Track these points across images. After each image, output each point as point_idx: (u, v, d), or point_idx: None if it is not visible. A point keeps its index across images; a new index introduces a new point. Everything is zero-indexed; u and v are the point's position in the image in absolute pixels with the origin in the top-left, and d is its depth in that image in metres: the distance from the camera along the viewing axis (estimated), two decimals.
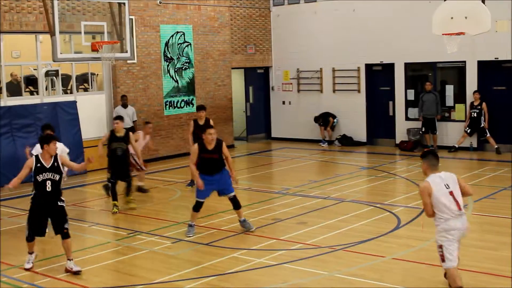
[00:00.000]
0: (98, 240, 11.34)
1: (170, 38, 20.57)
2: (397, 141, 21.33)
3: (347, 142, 22.23)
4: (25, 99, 17.59)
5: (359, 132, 22.30)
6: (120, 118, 13.77)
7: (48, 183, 9.41)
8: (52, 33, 13.49)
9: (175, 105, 20.79)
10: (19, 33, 17.05)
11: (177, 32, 20.77)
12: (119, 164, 13.44)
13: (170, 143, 20.67)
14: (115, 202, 13.33)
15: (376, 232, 11.01)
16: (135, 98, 19.57)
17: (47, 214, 9.55)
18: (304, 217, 12.33)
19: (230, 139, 22.81)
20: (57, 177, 9.48)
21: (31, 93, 18.67)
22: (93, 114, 18.83)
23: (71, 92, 18.68)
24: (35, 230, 9.59)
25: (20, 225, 11.77)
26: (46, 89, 18.27)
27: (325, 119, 22.51)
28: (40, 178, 9.40)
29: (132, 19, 17.88)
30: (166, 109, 20.54)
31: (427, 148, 19.88)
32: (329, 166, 18.89)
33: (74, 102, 18.10)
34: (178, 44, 20.81)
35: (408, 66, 21.24)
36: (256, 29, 23.83)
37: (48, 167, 9.44)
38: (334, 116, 22.52)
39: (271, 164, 19.60)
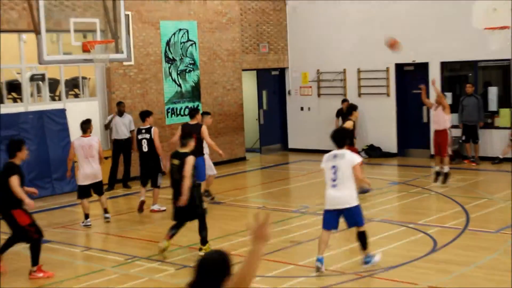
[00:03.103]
0: (91, 267, 11.39)
1: (172, 36, 20.70)
2: (433, 152, 21.26)
3: (374, 153, 22.24)
4: (7, 107, 17.72)
5: (389, 141, 22.28)
6: None
7: None
8: (37, 31, 13.60)
9: (178, 113, 20.88)
10: None
11: (180, 30, 20.90)
12: None
13: None
14: None
15: (409, 256, 11.00)
16: (133, 105, 19.68)
17: None
18: None
19: (241, 150, 22.86)
20: None
21: (14, 100, 18.82)
22: None
23: (59, 99, 18.82)
24: None
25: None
26: (31, 95, 18.42)
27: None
28: None
29: (128, 15, 17.99)
30: (168, 117, 20.64)
31: (466, 160, 19.98)
32: None
33: (63, 110, 18.22)
34: (181, 43, 20.93)
35: (445, 66, 21.22)
36: (270, 25, 23.91)
37: None
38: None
39: (288, 179, 19.60)
